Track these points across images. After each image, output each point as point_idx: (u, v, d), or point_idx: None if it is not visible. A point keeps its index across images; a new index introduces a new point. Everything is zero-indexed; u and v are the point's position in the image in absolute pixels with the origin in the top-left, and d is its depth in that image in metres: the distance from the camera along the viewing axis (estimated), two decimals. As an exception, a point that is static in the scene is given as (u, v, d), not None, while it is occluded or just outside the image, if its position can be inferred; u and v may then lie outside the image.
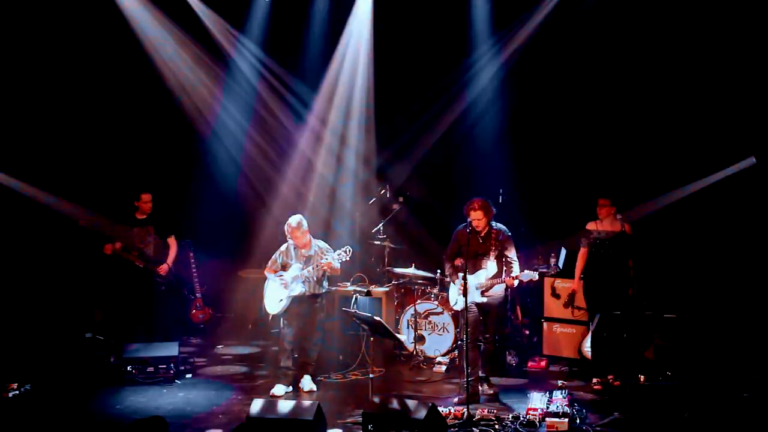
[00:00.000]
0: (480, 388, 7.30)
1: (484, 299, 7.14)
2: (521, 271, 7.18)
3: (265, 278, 7.74)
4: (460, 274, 7.24)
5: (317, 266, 7.42)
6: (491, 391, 7.33)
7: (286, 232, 7.54)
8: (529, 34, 9.34)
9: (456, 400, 7.17)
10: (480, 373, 7.31)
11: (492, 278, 7.13)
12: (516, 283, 7.17)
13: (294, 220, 7.51)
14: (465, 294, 6.80)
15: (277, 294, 7.52)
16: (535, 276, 7.14)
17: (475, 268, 7.21)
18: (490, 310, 7.28)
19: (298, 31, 10.08)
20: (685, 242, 8.61)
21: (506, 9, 9.40)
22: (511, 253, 7.25)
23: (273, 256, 7.69)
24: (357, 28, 9.89)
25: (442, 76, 9.79)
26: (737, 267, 8.31)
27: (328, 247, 7.69)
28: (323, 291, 7.69)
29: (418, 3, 9.55)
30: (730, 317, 7.94)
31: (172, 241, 8.74)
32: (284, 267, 7.60)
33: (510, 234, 7.33)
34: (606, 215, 7.75)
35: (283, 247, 7.68)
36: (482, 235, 7.18)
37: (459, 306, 7.32)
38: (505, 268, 7.20)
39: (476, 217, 7.10)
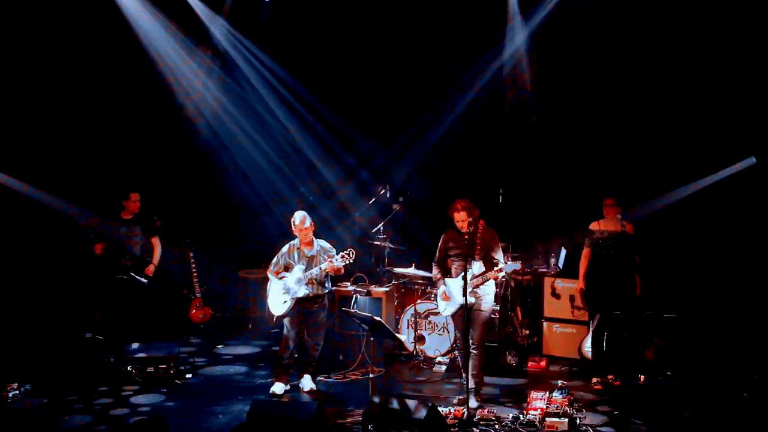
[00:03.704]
0: (470, 400, 6.93)
1: (472, 299, 7.01)
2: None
3: (266, 278, 7.75)
4: (447, 279, 7.25)
5: (321, 269, 7.44)
6: (475, 405, 6.90)
7: (293, 229, 7.54)
8: (530, 34, 9.35)
9: (456, 400, 7.16)
10: (470, 383, 6.96)
11: (477, 276, 7.04)
12: (501, 275, 7.08)
13: (300, 215, 7.53)
14: (465, 293, 6.78)
15: (281, 296, 7.53)
16: (518, 266, 7.09)
17: (461, 270, 7.09)
18: (477, 314, 7.10)
19: (299, 32, 10.08)
20: (685, 242, 8.61)
21: (507, 8, 9.40)
22: (498, 254, 7.15)
23: (275, 257, 7.69)
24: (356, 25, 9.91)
25: (443, 76, 9.80)
26: (737, 267, 8.30)
27: (331, 246, 7.70)
28: (326, 291, 7.70)
29: (419, 3, 9.57)
30: (730, 317, 7.94)
31: (155, 242, 8.66)
32: (287, 268, 7.60)
33: (496, 235, 7.24)
34: (612, 215, 7.75)
35: (285, 248, 7.68)
36: (467, 236, 7.12)
37: (447, 312, 7.31)
38: (490, 268, 7.08)
39: (460, 219, 7.01)
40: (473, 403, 6.93)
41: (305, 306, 7.56)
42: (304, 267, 7.50)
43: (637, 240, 7.71)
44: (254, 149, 10.45)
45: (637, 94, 8.91)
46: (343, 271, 7.65)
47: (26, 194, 9.03)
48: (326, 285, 7.65)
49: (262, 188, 10.46)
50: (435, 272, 7.43)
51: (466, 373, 6.96)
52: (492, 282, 7.16)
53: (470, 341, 7.03)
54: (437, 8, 9.53)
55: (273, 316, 7.74)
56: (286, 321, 7.60)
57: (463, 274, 6.84)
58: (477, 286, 7.05)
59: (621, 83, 8.93)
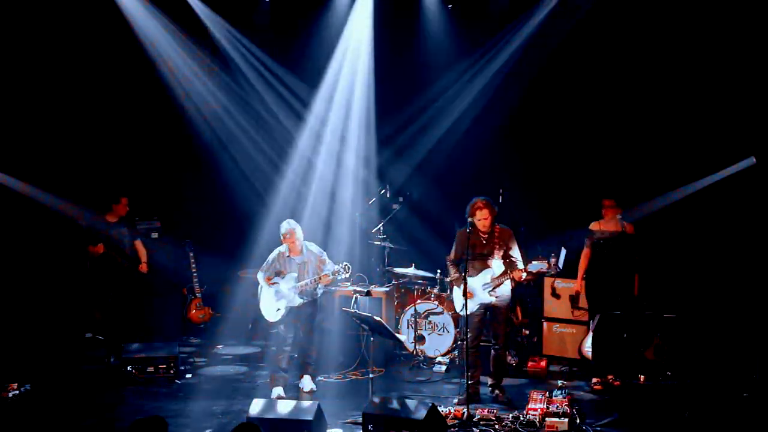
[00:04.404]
0: (492, 393, 7.27)
1: (492, 299, 7.08)
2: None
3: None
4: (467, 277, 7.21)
5: (314, 279, 7.43)
6: (503, 398, 7.22)
7: (283, 238, 7.49)
8: (530, 33, 9.34)
9: (456, 400, 7.16)
10: (489, 381, 7.26)
11: (499, 276, 7.08)
12: (524, 276, 7.10)
13: (288, 226, 7.46)
14: (465, 296, 6.79)
15: (274, 302, 7.52)
16: (545, 266, 7.07)
17: (481, 268, 7.14)
18: (499, 312, 7.19)
19: (298, 31, 10.07)
20: (685, 242, 8.61)
21: (507, 8, 9.39)
22: (515, 252, 7.20)
23: (265, 264, 7.62)
24: (357, 26, 9.89)
25: (443, 76, 9.79)
26: (737, 267, 8.30)
27: (321, 250, 7.66)
28: (320, 294, 7.68)
29: (417, 3, 9.56)
30: (730, 317, 7.94)
31: (139, 244, 8.88)
32: (278, 273, 7.58)
33: (513, 232, 7.29)
34: (611, 216, 7.75)
35: (274, 255, 7.61)
36: (486, 234, 7.13)
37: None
38: (509, 268, 7.13)
39: (482, 216, 7.03)
40: (501, 397, 7.21)
41: (300, 310, 7.55)
42: (296, 275, 7.48)
43: (637, 240, 7.70)
44: (254, 149, 10.44)
45: (638, 94, 8.90)
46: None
47: (26, 194, 9.04)
48: (318, 290, 7.62)
49: (262, 188, 10.44)
50: (452, 271, 7.41)
51: (470, 371, 7.00)
52: (508, 280, 7.18)
53: (495, 341, 7.23)
54: (437, 8, 9.53)
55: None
56: (280, 327, 7.58)
57: (464, 274, 6.85)
58: (497, 286, 7.07)
59: (621, 83, 8.92)
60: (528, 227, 8.95)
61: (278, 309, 7.50)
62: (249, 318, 9.90)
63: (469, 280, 7.14)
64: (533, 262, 7.09)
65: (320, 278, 7.42)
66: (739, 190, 8.33)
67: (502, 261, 7.16)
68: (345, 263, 7.44)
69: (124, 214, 8.75)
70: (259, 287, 7.69)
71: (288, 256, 7.54)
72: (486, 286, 7.10)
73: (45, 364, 8.11)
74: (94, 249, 8.42)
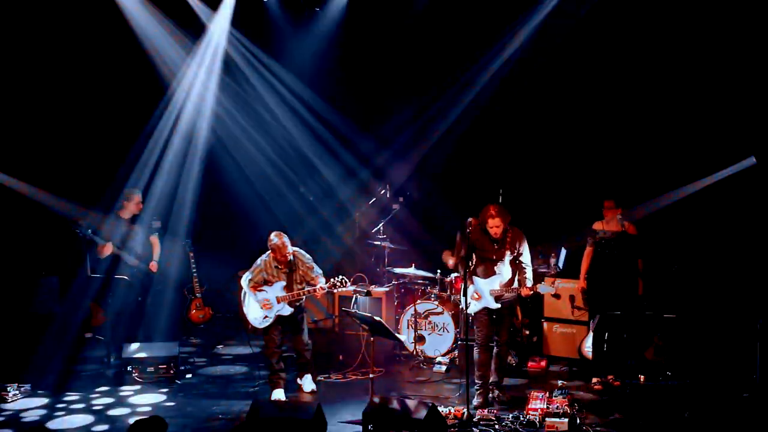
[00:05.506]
0: (491, 393, 7.21)
1: (499, 305, 7.03)
2: (534, 280, 7.08)
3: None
4: (475, 278, 7.13)
5: (308, 291, 7.37)
6: (503, 398, 7.18)
7: (272, 251, 7.40)
8: (530, 34, 9.35)
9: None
10: (491, 378, 7.22)
11: (506, 286, 6.99)
12: (531, 293, 7.04)
13: (279, 238, 7.37)
14: (465, 294, 6.79)
15: (261, 311, 7.45)
16: (552, 290, 7.10)
17: (489, 273, 7.06)
18: (503, 314, 7.13)
19: (298, 31, 10.08)
20: (685, 242, 8.61)
21: (506, 9, 9.40)
22: (525, 257, 7.09)
23: (253, 269, 7.53)
24: (356, 26, 9.90)
25: (443, 76, 9.80)
26: (737, 267, 8.30)
27: (309, 257, 7.57)
28: (304, 299, 7.63)
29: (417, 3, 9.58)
30: (730, 317, 7.94)
31: (155, 240, 8.77)
32: (265, 282, 7.51)
33: (523, 234, 7.15)
34: (612, 216, 7.75)
35: (260, 263, 7.52)
36: (498, 240, 7.01)
37: (472, 309, 7.17)
38: (518, 273, 7.05)
39: (494, 224, 6.88)
40: (500, 395, 7.17)
41: (286, 317, 7.49)
42: (284, 284, 7.43)
43: (639, 241, 7.70)
44: (254, 149, 10.44)
45: (638, 94, 8.91)
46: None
47: (26, 194, 9.05)
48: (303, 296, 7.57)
49: (262, 188, 10.45)
50: (460, 272, 7.38)
51: (481, 370, 7.04)
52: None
53: (497, 340, 7.16)
54: (438, 7, 9.54)
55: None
56: (269, 328, 7.53)
57: (492, 277, 6.87)
58: (501, 296, 7.02)
59: (621, 83, 8.93)
60: (528, 227, 8.95)
61: (266, 317, 7.45)
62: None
63: (479, 282, 7.12)
64: (542, 285, 7.10)
65: (315, 292, 7.38)
66: (739, 190, 8.33)
67: (512, 266, 7.08)
68: (342, 277, 7.39)
69: (138, 211, 8.56)
70: (243, 292, 7.60)
71: (276, 266, 7.49)
72: (493, 293, 7.05)
73: (45, 363, 8.09)
74: (102, 249, 8.34)
